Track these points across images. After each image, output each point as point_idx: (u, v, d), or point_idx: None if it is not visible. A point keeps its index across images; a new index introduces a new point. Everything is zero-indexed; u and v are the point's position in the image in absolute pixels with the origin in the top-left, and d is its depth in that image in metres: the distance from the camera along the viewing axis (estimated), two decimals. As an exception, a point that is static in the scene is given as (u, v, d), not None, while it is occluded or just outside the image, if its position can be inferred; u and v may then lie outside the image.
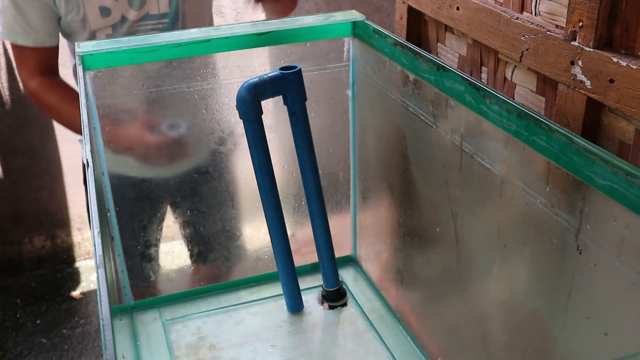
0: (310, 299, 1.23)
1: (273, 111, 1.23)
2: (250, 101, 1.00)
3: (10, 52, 1.89)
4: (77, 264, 2.19)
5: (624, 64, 0.78)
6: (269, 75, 1.03)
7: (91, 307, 2.00)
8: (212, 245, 1.32)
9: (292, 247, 1.19)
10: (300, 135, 1.09)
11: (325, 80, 1.20)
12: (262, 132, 1.04)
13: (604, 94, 0.82)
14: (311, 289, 1.26)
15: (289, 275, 1.17)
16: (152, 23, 1.57)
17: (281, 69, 1.04)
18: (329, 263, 1.20)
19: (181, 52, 1.06)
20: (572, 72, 0.86)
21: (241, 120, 1.03)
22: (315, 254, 1.22)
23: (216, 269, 1.34)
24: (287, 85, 1.04)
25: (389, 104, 1.09)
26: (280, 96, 1.07)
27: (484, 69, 1.10)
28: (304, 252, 1.29)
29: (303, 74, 1.09)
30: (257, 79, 1.02)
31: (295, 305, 1.21)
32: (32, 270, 2.15)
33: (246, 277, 1.31)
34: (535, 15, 0.95)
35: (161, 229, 1.37)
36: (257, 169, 1.06)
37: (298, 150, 1.11)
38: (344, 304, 1.23)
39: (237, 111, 1.02)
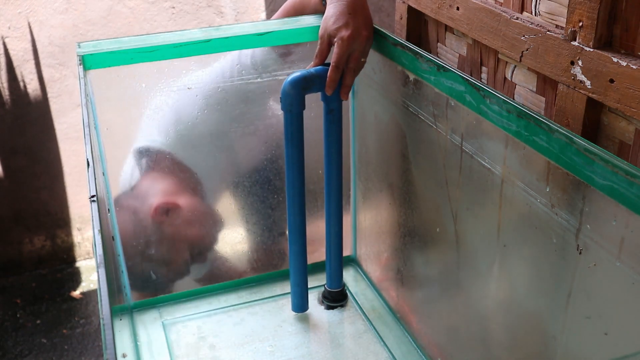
0: (311, 299, 1.23)
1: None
2: (295, 95, 0.99)
3: (11, 52, 1.89)
4: (77, 264, 2.19)
5: (624, 64, 0.78)
6: (314, 69, 1.01)
7: (91, 307, 2.00)
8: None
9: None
10: (334, 133, 1.07)
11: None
12: (302, 127, 1.02)
13: (604, 94, 0.82)
14: (312, 289, 1.26)
15: (300, 274, 1.15)
16: None
17: (326, 64, 1.01)
18: (337, 264, 1.19)
19: (181, 52, 1.05)
20: (572, 72, 0.86)
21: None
22: (315, 254, 1.22)
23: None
24: None
25: (389, 104, 1.09)
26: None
27: (484, 69, 1.10)
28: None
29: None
30: (303, 73, 0.99)
31: (302, 305, 1.20)
32: (32, 270, 2.14)
33: (246, 277, 1.31)
34: (535, 15, 0.95)
35: None
36: (290, 163, 1.04)
37: (329, 148, 1.08)
38: (343, 305, 1.23)
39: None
